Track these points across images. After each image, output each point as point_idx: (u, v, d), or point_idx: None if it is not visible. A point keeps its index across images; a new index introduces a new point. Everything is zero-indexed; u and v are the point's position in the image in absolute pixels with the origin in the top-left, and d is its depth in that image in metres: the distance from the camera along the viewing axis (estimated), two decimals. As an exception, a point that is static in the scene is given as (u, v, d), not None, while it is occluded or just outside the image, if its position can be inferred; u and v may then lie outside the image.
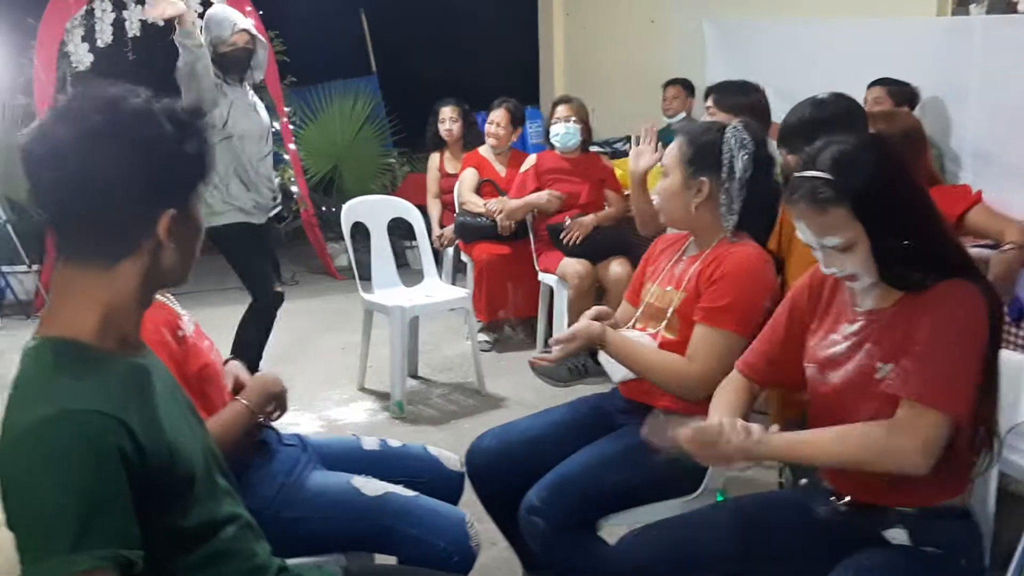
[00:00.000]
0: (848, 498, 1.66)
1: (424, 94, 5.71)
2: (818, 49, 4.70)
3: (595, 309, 2.20)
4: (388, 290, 4.13)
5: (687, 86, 5.57)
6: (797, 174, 1.58)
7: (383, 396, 3.99)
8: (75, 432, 1.11)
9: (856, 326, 1.63)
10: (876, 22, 4.36)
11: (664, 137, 5.44)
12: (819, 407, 1.71)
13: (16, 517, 1.13)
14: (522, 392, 3.99)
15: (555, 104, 4.34)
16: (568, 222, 4.23)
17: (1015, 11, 4.24)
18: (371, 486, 1.86)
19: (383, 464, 2.01)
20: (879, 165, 1.54)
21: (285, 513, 1.78)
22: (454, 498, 2.03)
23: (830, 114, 2.48)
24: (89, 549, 1.08)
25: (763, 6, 5.21)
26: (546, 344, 4.50)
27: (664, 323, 2.09)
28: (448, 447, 2.20)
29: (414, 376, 4.24)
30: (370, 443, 2.09)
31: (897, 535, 1.60)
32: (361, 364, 4.15)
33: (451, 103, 5.23)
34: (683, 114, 5.50)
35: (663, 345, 2.06)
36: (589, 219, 4.22)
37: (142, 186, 1.18)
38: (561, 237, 4.23)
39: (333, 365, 4.46)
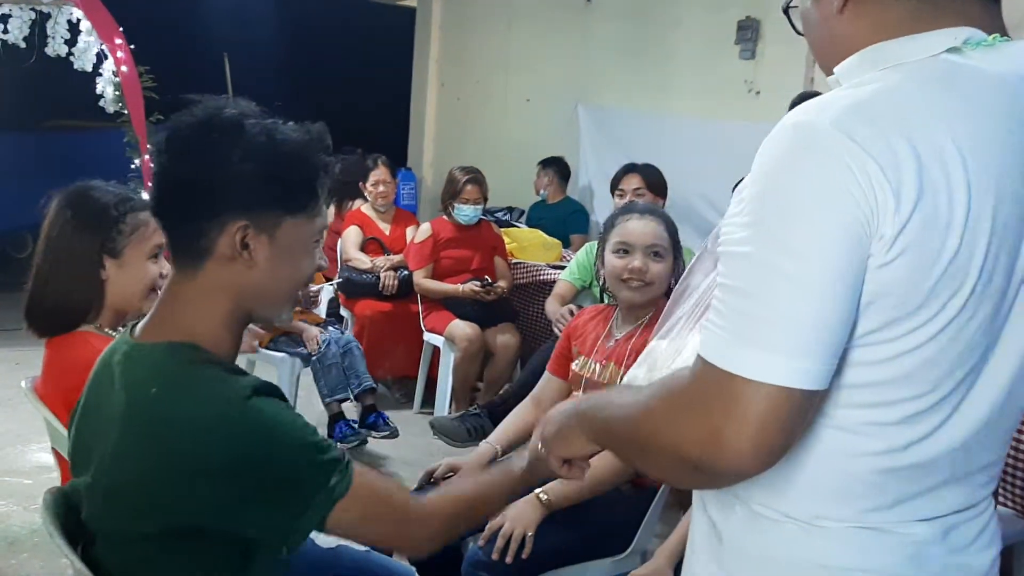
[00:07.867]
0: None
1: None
2: (686, 144, 5.08)
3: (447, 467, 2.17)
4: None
5: (562, 168, 5.65)
6: None
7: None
8: (268, 402, 1.19)
9: None
10: (746, 126, 4.55)
11: (534, 212, 5.70)
12: None
13: (248, 499, 1.17)
14: (401, 450, 3.99)
15: (464, 182, 4.30)
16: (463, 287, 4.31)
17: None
18: (322, 538, 1.85)
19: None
20: None
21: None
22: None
23: None
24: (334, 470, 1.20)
25: (638, 97, 5.57)
26: (423, 404, 4.53)
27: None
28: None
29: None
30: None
31: None
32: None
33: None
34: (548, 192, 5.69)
35: None
36: (503, 285, 4.32)
37: (204, 188, 1.21)
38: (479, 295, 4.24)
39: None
